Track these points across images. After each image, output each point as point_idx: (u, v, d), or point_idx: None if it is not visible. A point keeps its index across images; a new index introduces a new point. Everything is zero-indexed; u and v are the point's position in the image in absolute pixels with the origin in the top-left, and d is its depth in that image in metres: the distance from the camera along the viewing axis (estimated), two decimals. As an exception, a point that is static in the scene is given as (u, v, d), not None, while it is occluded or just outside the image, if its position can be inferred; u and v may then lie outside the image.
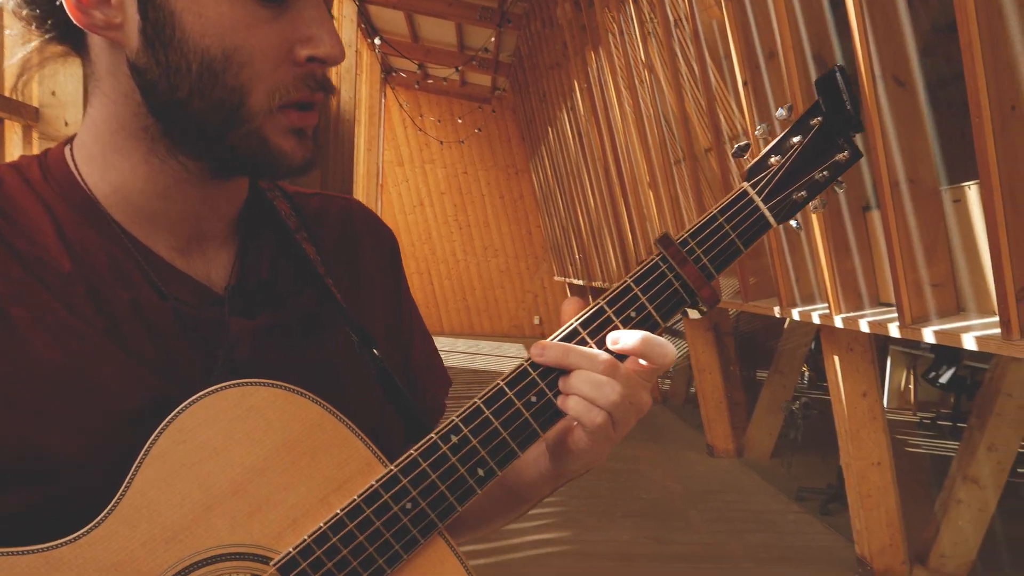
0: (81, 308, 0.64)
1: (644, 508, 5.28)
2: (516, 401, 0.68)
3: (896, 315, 3.47)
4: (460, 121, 13.90)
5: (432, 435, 0.67)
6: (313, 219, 0.81)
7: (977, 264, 3.26)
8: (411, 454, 0.67)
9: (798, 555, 4.58)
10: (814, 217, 3.93)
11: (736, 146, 0.77)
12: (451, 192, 14.46)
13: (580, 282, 11.40)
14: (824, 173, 0.73)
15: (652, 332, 0.70)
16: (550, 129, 11.06)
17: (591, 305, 0.71)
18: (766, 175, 0.73)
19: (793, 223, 0.75)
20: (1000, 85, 2.73)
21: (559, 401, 0.69)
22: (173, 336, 0.67)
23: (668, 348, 0.69)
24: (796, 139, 0.73)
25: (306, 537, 0.64)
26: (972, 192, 3.24)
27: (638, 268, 0.71)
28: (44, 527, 0.61)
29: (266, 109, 0.66)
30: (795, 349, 6.50)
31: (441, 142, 14.01)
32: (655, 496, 5.55)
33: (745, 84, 4.32)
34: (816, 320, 4.12)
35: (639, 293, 0.70)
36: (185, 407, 0.63)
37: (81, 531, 0.61)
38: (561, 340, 0.70)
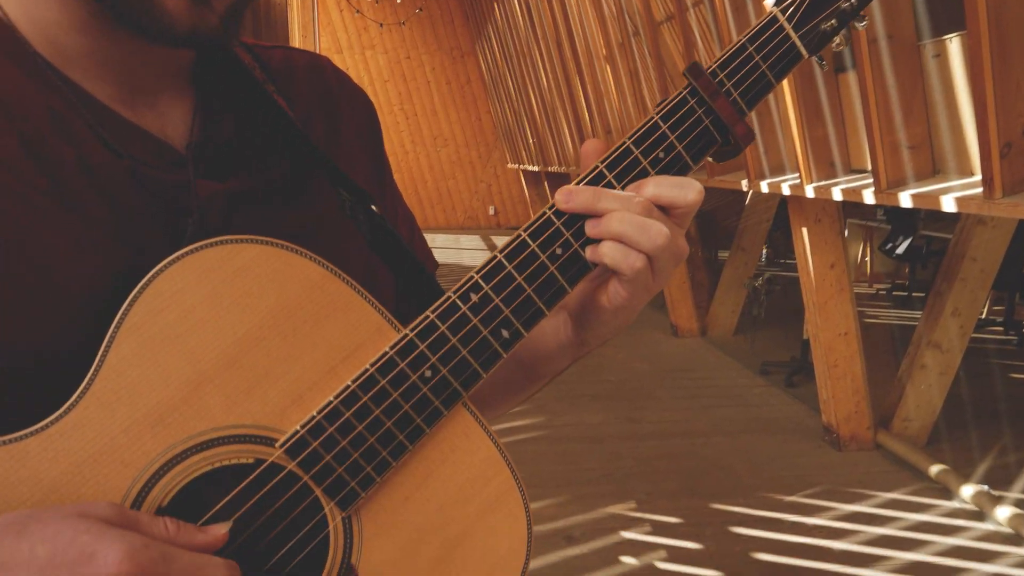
0: (16, 165, 0.54)
1: (612, 390, 5.32)
2: (540, 254, 0.62)
3: (871, 181, 3.35)
4: (399, 1, 13.11)
5: (450, 294, 0.61)
6: (279, 73, 0.70)
7: (956, 122, 3.12)
8: (428, 316, 0.60)
9: (765, 426, 4.67)
10: (784, 83, 3.73)
11: None
12: (395, 79, 13.80)
13: (535, 168, 11.14)
14: (851, 1, 0.68)
15: (682, 174, 0.65)
16: (496, 6, 10.48)
17: (616, 146, 0.65)
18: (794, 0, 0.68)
19: (818, 59, 0.70)
20: (994, -80, 2.51)
21: (589, 252, 0.63)
22: (131, 200, 0.57)
23: (689, 186, 0.62)
24: None
25: (315, 413, 0.57)
26: (954, 45, 3.06)
27: (665, 103, 0.66)
28: (3, 430, 0.52)
29: None
30: (757, 225, 6.46)
31: (381, 25, 13.24)
32: (622, 378, 5.58)
33: (710, -61, 4.01)
34: (786, 191, 4.00)
35: (667, 131, 0.65)
36: (161, 269, 0.54)
37: (48, 419, 0.52)
38: (586, 185, 0.64)
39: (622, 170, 0.64)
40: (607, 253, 0.61)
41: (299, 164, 0.66)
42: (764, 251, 7.23)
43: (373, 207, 0.67)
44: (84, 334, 0.54)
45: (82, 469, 0.52)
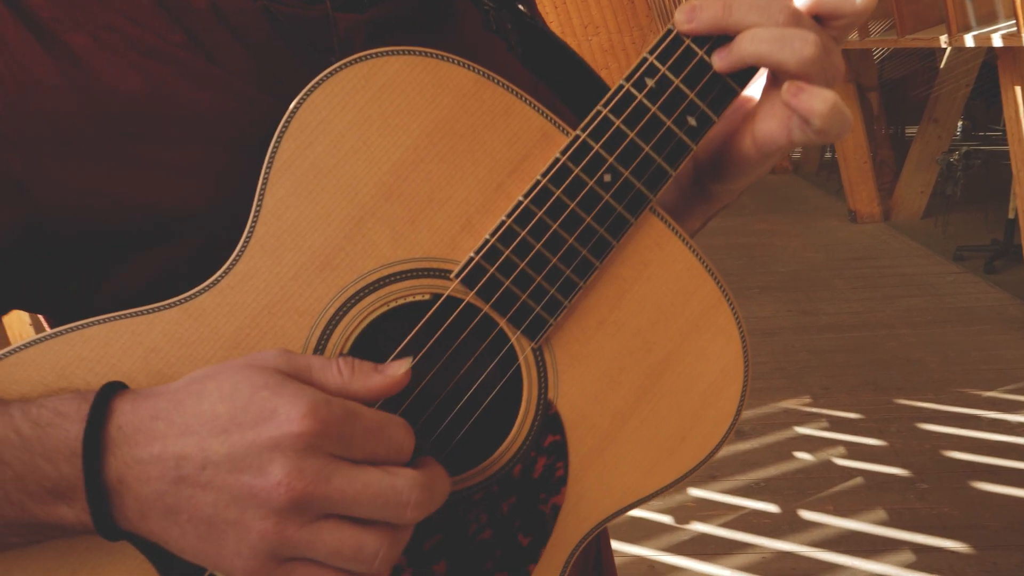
0: (147, 20, 0.52)
1: (783, 281, 5.01)
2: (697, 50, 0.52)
3: (1113, 20, 2.78)
4: None
5: (622, 82, 0.52)
6: None
7: None
8: (599, 111, 0.52)
9: (960, 316, 4.24)
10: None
11: None
12: (542, -33, 13.30)
13: (693, 50, 10.44)
14: None
15: None
16: None
17: None
18: None
19: None
20: None
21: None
22: (270, 42, 0.55)
23: None
24: None
25: (487, 237, 0.52)
26: None
27: None
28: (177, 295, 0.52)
29: None
30: (954, 92, 5.71)
31: (526, -91, 12.68)
32: (794, 268, 5.25)
33: None
34: (997, 43, 3.43)
35: None
36: (302, 99, 0.51)
37: (216, 274, 0.51)
38: None
39: None
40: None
41: None
42: (960, 123, 6.40)
43: (520, 7, 0.60)
44: (240, 188, 0.51)
45: (258, 321, 0.50)
